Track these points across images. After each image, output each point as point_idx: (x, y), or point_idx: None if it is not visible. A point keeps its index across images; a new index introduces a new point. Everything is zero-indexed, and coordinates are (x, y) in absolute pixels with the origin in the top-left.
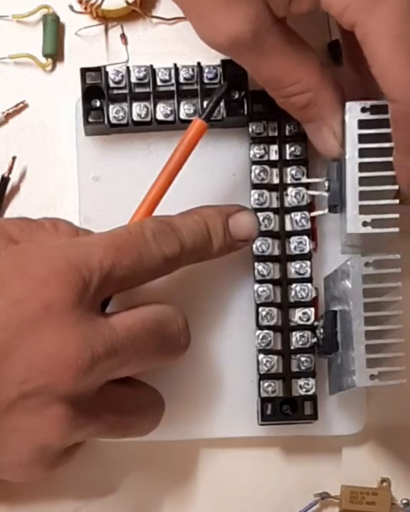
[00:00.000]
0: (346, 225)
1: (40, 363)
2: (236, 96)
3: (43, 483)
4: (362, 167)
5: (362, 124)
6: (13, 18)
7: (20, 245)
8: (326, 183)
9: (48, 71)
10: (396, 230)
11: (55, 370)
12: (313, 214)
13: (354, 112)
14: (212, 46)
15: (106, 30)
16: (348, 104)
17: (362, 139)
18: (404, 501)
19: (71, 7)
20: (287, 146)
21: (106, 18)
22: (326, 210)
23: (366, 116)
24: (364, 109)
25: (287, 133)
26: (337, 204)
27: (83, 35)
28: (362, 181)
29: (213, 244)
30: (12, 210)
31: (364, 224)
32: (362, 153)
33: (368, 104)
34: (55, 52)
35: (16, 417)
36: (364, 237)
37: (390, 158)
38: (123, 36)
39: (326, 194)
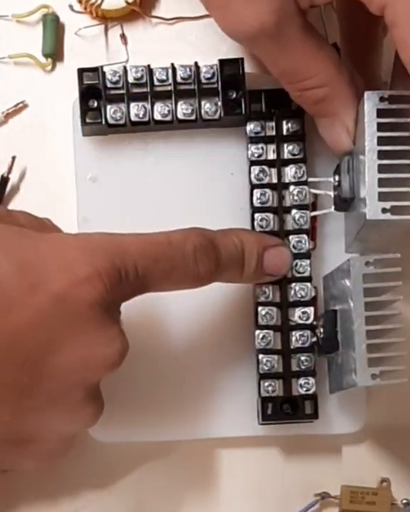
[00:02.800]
0: (363, 213)
1: (86, 361)
2: (234, 95)
3: (43, 483)
4: (381, 155)
5: (380, 113)
6: (12, 18)
7: (58, 235)
8: (336, 178)
9: (47, 71)
10: None
11: (99, 367)
12: (317, 213)
13: (372, 101)
14: (232, 36)
15: (106, 30)
16: (366, 94)
17: (380, 127)
18: (404, 501)
19: (71, 7)
20: (286, 145)
21: (106, 18)
22: (331, 209)
23: (385, 105)
24: (382, 99)
25: (285, 132)
26: (349, 198)
27: (83, 35)
28: (381, 169)
29: (244, 271)
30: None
31: (384, 211)
32: (381, 141)
33: (386, 93)
34: (54, 52)
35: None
36: (379, 228)
37: (408, 147)
38: (123, 36)
39: (331, 193)
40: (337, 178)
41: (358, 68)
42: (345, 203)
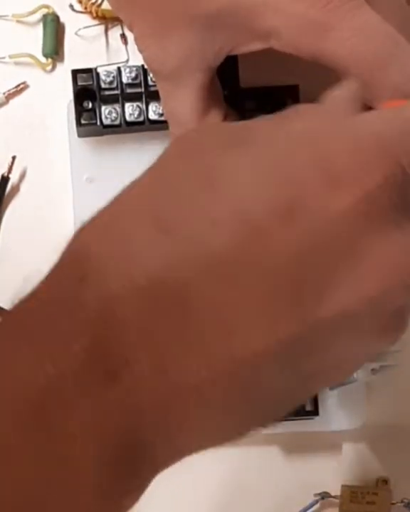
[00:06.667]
0: None
1: (379, 287)
2: (228, 93)
3: None
4: None
5: None
6: (13, 18)
7: (308, 124)
8: None
9: (47, 71)
10: None
11: (399, 291)
12: None
13: None
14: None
15: (106, 29)
16: None
17: None
18: (405, 501)
19: (71, 6)
20: None
21: (106, 18)
22: None
23: None
24: None
25: None
26: None
27: (83, 35)
28: None
29: None
30: (12, 210)
31: None
32: None
33: None
34: (55, 52)
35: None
36: None
37: None
38: (123, 36)
39: None
40: None
41: None
42: None
